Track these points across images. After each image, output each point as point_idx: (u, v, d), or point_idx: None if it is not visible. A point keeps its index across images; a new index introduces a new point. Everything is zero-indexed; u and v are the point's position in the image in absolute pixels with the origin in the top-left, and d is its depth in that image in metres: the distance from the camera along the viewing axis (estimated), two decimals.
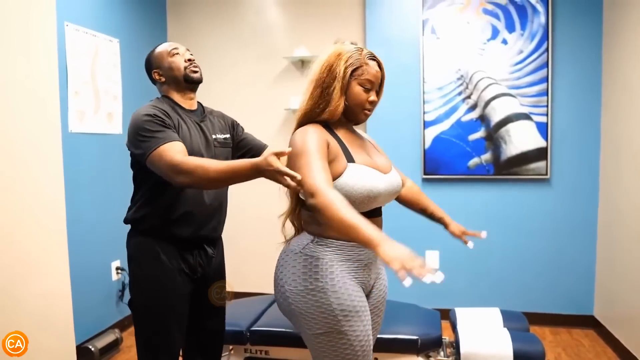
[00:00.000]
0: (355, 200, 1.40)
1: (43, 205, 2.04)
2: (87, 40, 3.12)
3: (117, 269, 3.38)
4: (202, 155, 1.74)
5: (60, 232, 2.12)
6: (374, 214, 1.52)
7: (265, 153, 1.39)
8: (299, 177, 1.31)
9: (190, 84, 1.84)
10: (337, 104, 1.45)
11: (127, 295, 3.42)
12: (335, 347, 1.42)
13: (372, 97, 1.50)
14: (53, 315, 2.07)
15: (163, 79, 1.84)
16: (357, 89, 1.47)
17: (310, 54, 3.72)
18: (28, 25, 1.97)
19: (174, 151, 1.57)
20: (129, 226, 1.86)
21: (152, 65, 1.85)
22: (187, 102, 1.85)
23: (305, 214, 1.50)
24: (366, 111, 1.51)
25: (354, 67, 1.46)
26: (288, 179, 1.32)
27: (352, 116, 1.52)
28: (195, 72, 1.84)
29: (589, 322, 3.39)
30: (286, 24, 3.91)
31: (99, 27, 3.23)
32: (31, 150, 1.98)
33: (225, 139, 1.90)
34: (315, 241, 1.46)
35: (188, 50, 1.88)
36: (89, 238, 3.07)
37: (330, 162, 1.41)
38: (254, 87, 3.94)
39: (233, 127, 1.98)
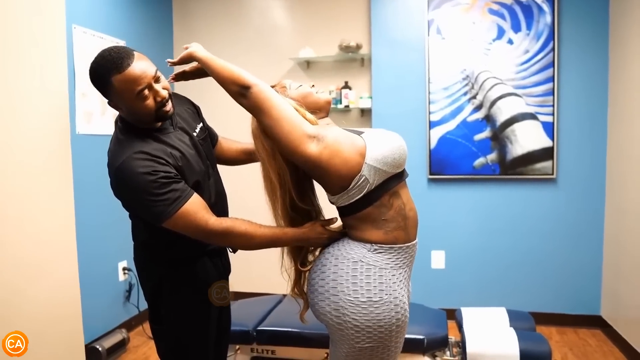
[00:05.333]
0: (394, 157, 1.39)
1: (53, 207, 2.06)
2: (94, 42, 3.14)
3: (124, 269, 3.40)
4: (201, 169, 1.60)
5: (69, 233, 2.14)
6: (406, 174, 1.50)
7: (314, 229, 1.49)
8: (334, 222, 1.52)
9: (162, 120, 1.55)
10: (309, 117, 1.45)
11: (133, 295, 3.45)
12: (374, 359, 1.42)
13: (308, 84, 1.57)
14: (62, 315, 2.09)
15: (124, 113, 1.52)
16: (296, 92, 1.53)
17: (315, 55, 3.73)
18: (38, 28, 1.99)
19: (201, 210, 1.44)
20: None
21: (106, 94, 1.47)
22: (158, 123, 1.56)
23: (359, 221, 1.44)
24: (319, 92, 1.56)
25: (278, 89, 1.53)
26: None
27: (319, 106, 1.54)
28: (168, 110, 1.51)
29: (595, 322, 3.38)
30: (291, 25, 3.93)
31: (106, 30, 3.26)
32: (41, 151, 2.00)
33: (201, 129, 1.71)
34: (374, 249, 1.41)
35: (155, 75, 1.46)
36: (95, 239, 3.09)
37: (340, 136, 1.40)
38: None
39: (196, 109, 1.79)
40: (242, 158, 1.94)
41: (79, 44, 3.01)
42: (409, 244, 1.46)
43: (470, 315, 2.49)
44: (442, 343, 2.31)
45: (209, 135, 1.83)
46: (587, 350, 3.05)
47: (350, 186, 1.39)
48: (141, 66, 1.42)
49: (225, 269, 1.81)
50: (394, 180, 1.43)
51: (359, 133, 1.44)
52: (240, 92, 1.41)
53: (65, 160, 2.13)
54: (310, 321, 1.60)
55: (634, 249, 2.91)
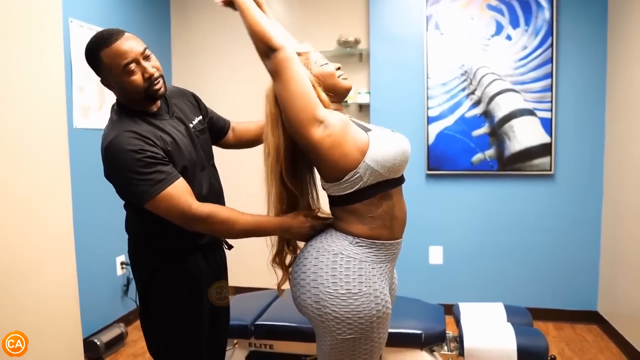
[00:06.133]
0: (394, 163, 1.38)
1: (50, 201, 2.05)
2: (91, 36, 3.12)
3: (122, 263, 3.39)
4: (193, 158, 1.60)
5: (66, 228, 2.14)
6: (404, 179, 1.49)
7: (296, 219, 1.49)
8: (317, 213, 1.53)
9: (154, 101, 1.56)
10: (323, 98, 1.43)
11: (131, 290, 3.45)
12: (357, 351, 1.41)
13: (335, 64, 1.54)
14: (60, 310, 2.09)
15: (116, 92, 1.55)
16: (319, 69, 1.49)
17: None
18: (35, 22, 1.98)
19: (185, 195, 1.43)
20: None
21: (98, 71, 1.53)
22: (155, 106, 1.59)
23: (346, 213, 1.44)
24: (341, 77, 1.53)
25: (303, 60, 1.49)
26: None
27: (337, 89, 1.51)
28: (159, 88, 1.51)
29: (592, 317, 3.39)
30: (289, 20, 3.91)
31: (103, 23, 3.23)
32: (38, 146, 1.99)
33: (200, 121, 1.72)
34: (356, 242, 1.42)
35: (144, 52, 1.49)
36: (93, 233, 3.09)
37: (348, 129, 1.38)
38: (257, 85, 3.91)
39: (197, 102, 1.80)
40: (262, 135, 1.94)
41: (76, 37, 2.99)
42: (393, 241, 1.46)
43: (468, 311, 2.49)
44: (439, 338, 2.31)
45: (218, 125, 1.86)
46: (583, 346, 3.07)
47: (343, 179, 1.38)
48: (129, 42, 1.47)
49: (219, 266, 1.79)
50: (389, 184, 1.42)
51: (367, 129, 1.43)
52: (265, 52, 1.38)
53: (62, 154, 2.12)
54: (287, 294, 1.58)
55: (631, 245, 2.92)
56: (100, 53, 1.46)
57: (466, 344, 2.21)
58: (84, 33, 3.05)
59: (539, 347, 2.18)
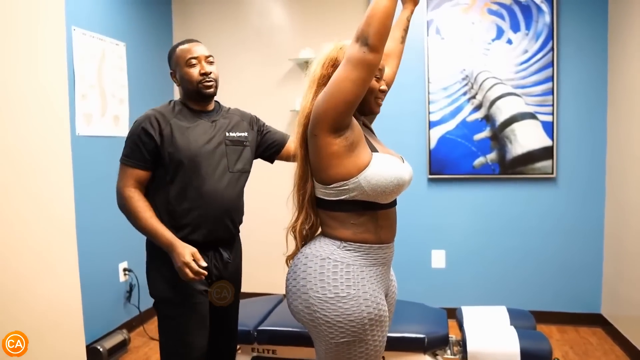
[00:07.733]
0: (385, 190, 1.38)
1: (53, 208, 2.06)
2: (94, 44, 3.15)
3: (125, 270, 3.40)
4: (201, 155, 1.76)
5: (70, 235, 2.14)
6: (394, 204, 1.50)
7: (187, 248, 1.67)
8: (202, 276, 1.66)
9: (203, 98, 1.84)
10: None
11: (134, 296, 3.45)
12: (352, 355, 1.41)
13: (383, 85, 1.48)
14: (63, 317, 2.09)
15: (178, 83, 1.88)
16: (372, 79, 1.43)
17: (315, 56, 3.73)
18: (37, 30, 1.99)
19: (131, 178, 1.75)
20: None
21: (170, 64, 1.89)
22: (202, 106, 1.87)
23: (329, 218, 1.45)
24: (379, 100, 1.49)
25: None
26: (188, 271, 1.64)
27: (366, 107, 1.48)
28: (209, 87, 1.82)
29: (596, 320, 3.38)
30: (291, 26, 3.93)
31: (106, 31, 3.26)
32: (41, 153, 2.00)
33: (240, 137, 1.89)
34: (343, 246, 1.42)
35: (208, 57, 1.85)
36: (96, 240, 3.09)
37: (356, 148, 1.38)
38: (259, 89, 3.96)
39: (252, 123, 1.99)
40: None
41: (79, 45, 3.01)
42: (381, 245, 1.45)
43: (471, 314, 2.49)
44: (442, 342, 2.31)
45: (274, 139, 2.03)
46: (587, 349, 3.06)
47: (330, 185, 1.39)
48: (200, 47, 1.86)
49: (215, 270, 1.85)
50: (374, 206, 1.42)
51: (375, 149, 1.42)
52: (361, 39, 1.27)
53: (65, 161, 2.13)
54: None
55: (634, 247, 2.91)
56: (177, 48, 1.86)
57: (469, 348, 2.21)
58: (86, 41, 3.07)
59: (543, 351, 2.17)
